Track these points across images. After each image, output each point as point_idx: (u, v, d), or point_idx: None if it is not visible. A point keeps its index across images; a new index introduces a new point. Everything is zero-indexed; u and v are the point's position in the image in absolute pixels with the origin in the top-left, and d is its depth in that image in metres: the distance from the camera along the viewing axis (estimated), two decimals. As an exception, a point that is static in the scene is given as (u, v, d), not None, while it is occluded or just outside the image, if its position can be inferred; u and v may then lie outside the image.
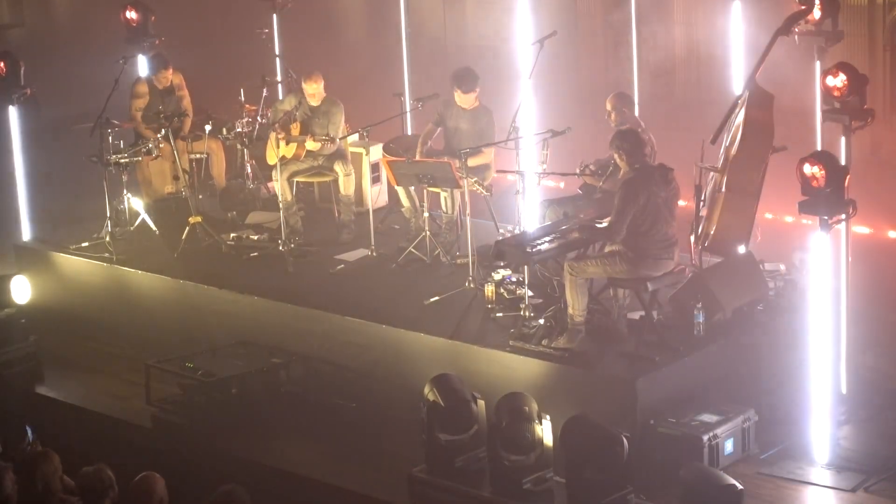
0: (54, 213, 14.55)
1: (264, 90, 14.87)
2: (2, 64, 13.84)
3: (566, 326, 10.81)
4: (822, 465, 10.15)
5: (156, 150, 13.90)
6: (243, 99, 15.08)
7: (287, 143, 13.37)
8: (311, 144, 13.40)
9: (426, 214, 12.71)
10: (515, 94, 13.27)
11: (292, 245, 13.12)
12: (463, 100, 12.99)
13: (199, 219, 13.51)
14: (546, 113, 13.40)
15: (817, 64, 10.95)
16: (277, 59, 15.59)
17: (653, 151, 11.91)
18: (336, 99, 13.64)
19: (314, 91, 13.49)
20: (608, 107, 12.22)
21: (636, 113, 12.84)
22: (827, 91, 10.43)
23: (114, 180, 13.72)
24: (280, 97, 15.14)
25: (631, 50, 14.16)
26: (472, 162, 12.50)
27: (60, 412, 12.16)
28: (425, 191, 12.88)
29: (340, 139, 13.50)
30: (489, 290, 11.66)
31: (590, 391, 10.48)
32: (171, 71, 14.38)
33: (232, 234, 13.54)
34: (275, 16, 15.62)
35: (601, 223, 10.97)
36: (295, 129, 13.46)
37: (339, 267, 12.88)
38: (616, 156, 10.87)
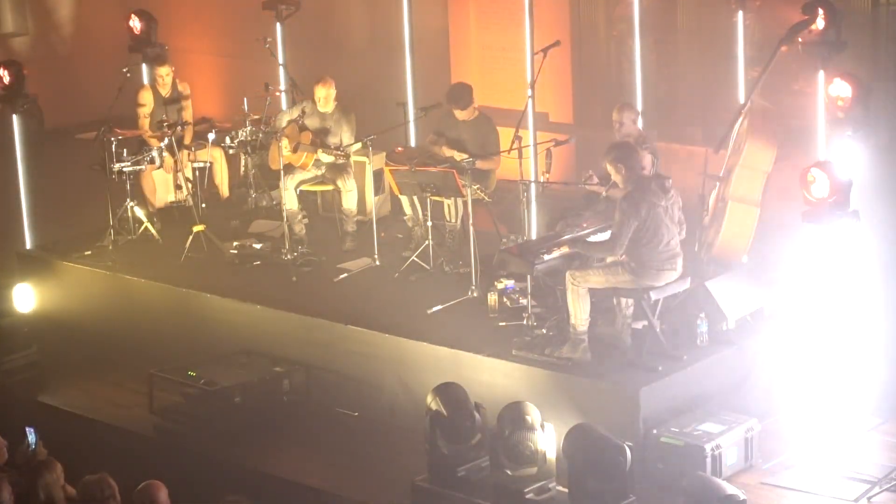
0: (57, 222, 14.54)
1: (267, 99, 14.88)
2: (6, 72, 13.86)
3: (569, 336, 10.80)
4: (824, 475, 10.13)
5: (158, 159, 13.92)
6: (246, 108, 15.07)
7: (295, 152, 13.33)
8: (324, 157, 13.38)
9: (429, 223, 12.70)
10: (519, 104, 13.26)
11: (295, 254, 13.12)
12: (462, 115, 13.02)
13: (202, 227, 13.51)
14: (549, 122, 13.40)
15: (821, 73, 10.94)
16: (281, 68, 15.59)
17: (656, 161, 11.91)
18: (347, 106, 13.64)
19: (325, 95, 13.45)
20: (616, 117, 12.22)
21: (640, 122, 12.83)
22: (831, 100, 10.42)
23: (116, 189, 13.73)
24: (283, 106, 15.14)
25: (634, 58, 14.16)
26: (479, 165, 12.53)
27: (63, 421, 12.15)
28: (428, 200, 12.87)
29: (351, 149, 13.45)
30: (492, 299, 11.66)
31: (592, 400, 10.46)
32: (168, 68, 14.34)
33: (235, 243, 13.52)
34: (278, 25, 15.64)
35: (595, 237, 10.97)
36: (305, 138, 13.41)
37: (342, 276, 12.87)
38: (613, 169, 10.79)
